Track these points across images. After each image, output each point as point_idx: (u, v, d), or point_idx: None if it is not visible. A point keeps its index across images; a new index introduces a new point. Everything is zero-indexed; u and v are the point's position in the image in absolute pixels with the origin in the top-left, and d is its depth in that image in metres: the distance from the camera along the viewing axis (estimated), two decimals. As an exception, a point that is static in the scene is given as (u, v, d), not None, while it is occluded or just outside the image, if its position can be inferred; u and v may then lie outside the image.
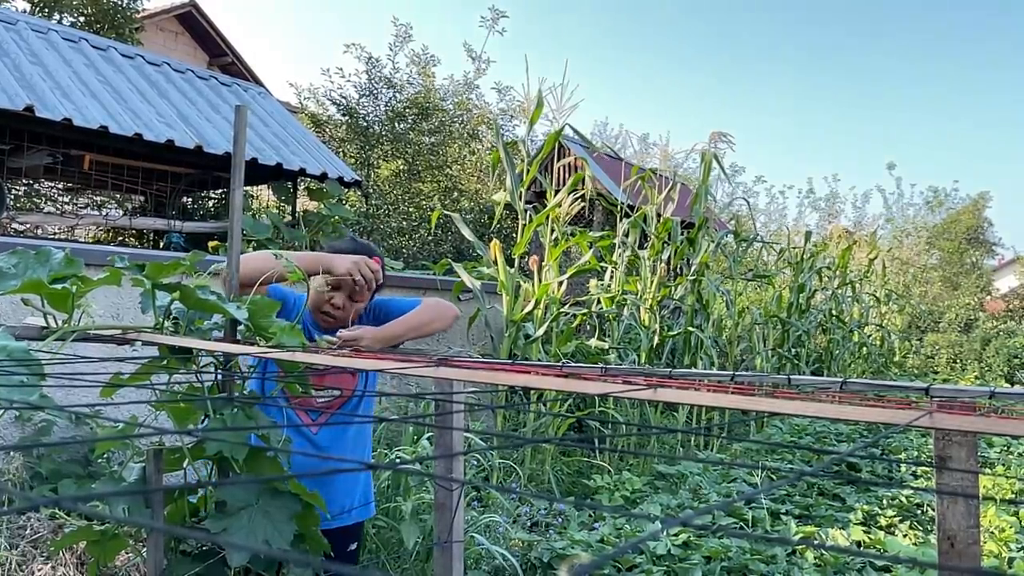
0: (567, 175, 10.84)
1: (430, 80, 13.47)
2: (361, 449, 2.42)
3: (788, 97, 53.41)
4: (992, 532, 4.11)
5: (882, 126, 51.71)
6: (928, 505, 4.83)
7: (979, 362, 14.49)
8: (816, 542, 4.12)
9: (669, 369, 1.51)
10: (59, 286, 1.43)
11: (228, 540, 1.53)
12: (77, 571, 2.88)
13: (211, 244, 7.16)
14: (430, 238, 11.78)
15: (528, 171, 6.00)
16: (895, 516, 4.61)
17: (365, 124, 12.49)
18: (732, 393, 1.12)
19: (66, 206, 8.60)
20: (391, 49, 13.29)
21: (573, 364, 1.63)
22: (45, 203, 8.75)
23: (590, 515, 4.33)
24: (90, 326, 1.53)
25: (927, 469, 5.19)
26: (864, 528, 4.27)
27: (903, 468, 5.95)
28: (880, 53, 52.85)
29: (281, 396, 2.11)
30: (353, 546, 2.35)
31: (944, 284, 20.65)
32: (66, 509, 3.02)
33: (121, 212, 8.28)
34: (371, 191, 12.15)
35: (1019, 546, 4.02)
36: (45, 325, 1.50)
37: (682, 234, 7.64)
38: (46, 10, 11.02)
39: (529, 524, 4.26)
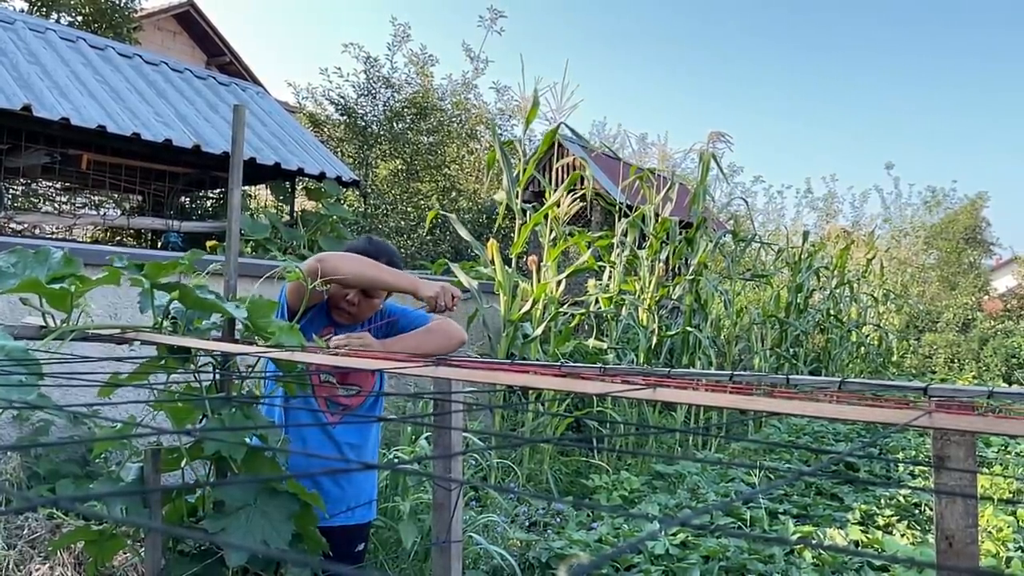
0: (566, 175, 10.84)
1: (428, 80, 13.46)
2: (374, 450, 2.44)
3: (786, 97, 53.45)
4: (990, 532, 4.11)
5: (880, 126, 51.77)
6: (926, 505, 4.84)
7: (977, 362, 14.51)
8: (814, 542, 4.12)
9: (668, 369, 1.51)
10: (57, 286, 1.43)
11: (226, 540, 1.53)
12: (75, 571, 2.88)
13: (209, 244, 7.15)
14: (428, 238, 11.77)
15: (525, 171, 6.01)
16: (893, 516, 4.61)
17: (363, 124, 12.48)
18: (730, 393, 1.12)
19: (64, 206, 8.59)
20: (389, 49, 13.30)
21: (572, 364, 1.63)
22: (43, 203, 8.74)
23: (588, 515, 4.33)
24: (89, 325, 1.53)
25: (925, 469, 5.19)
26: (862, 528, 4.27)
27: (901, 468, 5.96)
28: (879, 53, 52.93)
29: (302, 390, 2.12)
30: (360, 547, 2.35)
31: (942, 284, 20.66)
32: (64, 509, 3.02)
33: (119, 212, 8.27)
34: (369, 191, 12.14)
35: (1016, 546, 4.03)
36: (44, 324, 1.50)
37: (680, 234, 7.64)
38: (44, 9, 11.00)
39: (527, 524, 4.26)
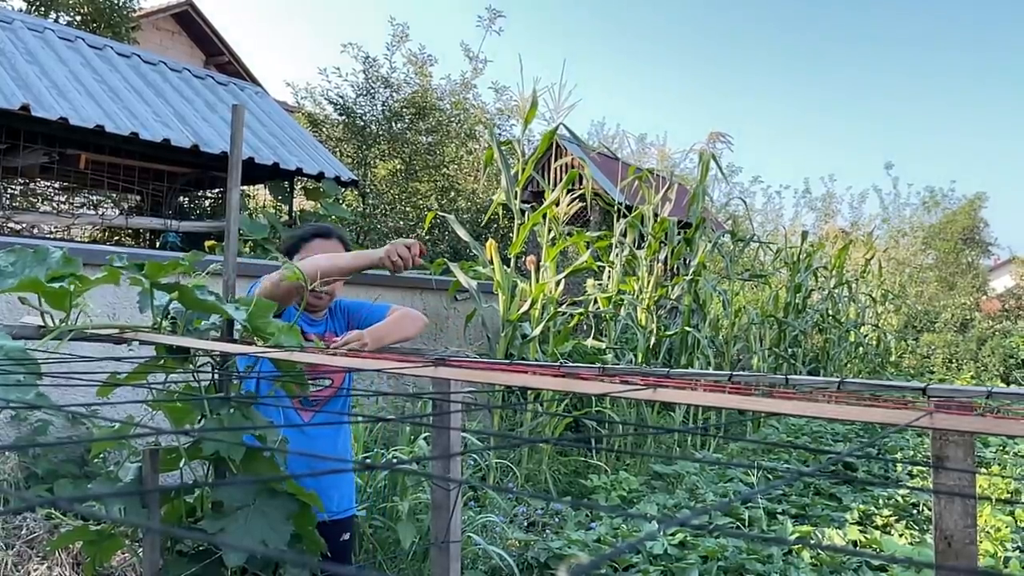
0: (564, 175, 10.84)
1: (427, 80, 13.45)
2: (346, 443, 2.52)
3: (785, 97, 53.50)
4: (988, 532, 4.12)
5: (879, 126, 51.85)
6: (924, 505, 4.84)
7: (975, 362, 14.51)
8: (812, 542, 4.12)
9: (667, 369, 1.51)
10: (57, 285, 1.42)
11: (225, 540, 1.53)
12: (73, 571, 2.88)
13: (207, 244, 7.15)
14: (427, 238, 11.77)
15: (524, 171, 6.01)
16: (891, 516, 4.62)
17: (362, 124, 12.47)
18: (730, 393, 1.12)
19: (62, 205, 8.58)
20: (388, 49, 13.29)
21: (571, 364, 1.63)
22: (41, 202, 8.73)
23: (587, 515, 4.33)
24: (87, 325, 1.53)
25: (923, 469, 5.20)
26: (860, 528, 4.28)
27: (899, 468, 5.96)
28: (878, 53, 52.99)
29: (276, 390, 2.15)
30: (346, 536, 2.41)
31: (940, 284, 20.68)
32: (62, 509, 3.01)
33: (117, 211, 8.26)
34: (368, 191, 12.13)
35: (1015, 545, 4.03)
36: (42, 324, 1.49)
37: (679, 234, 7.64)
38: (42, 9, 10.99)
39: (526, 524, 4.26)
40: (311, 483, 2.20)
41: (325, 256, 2.24)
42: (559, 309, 5.96)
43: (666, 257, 7.46)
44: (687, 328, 7.19)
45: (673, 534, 3.80)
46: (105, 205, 8.82)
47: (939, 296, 19.48)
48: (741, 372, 1.49)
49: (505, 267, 5.78)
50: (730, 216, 11.11)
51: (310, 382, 2.31)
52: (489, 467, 4.89)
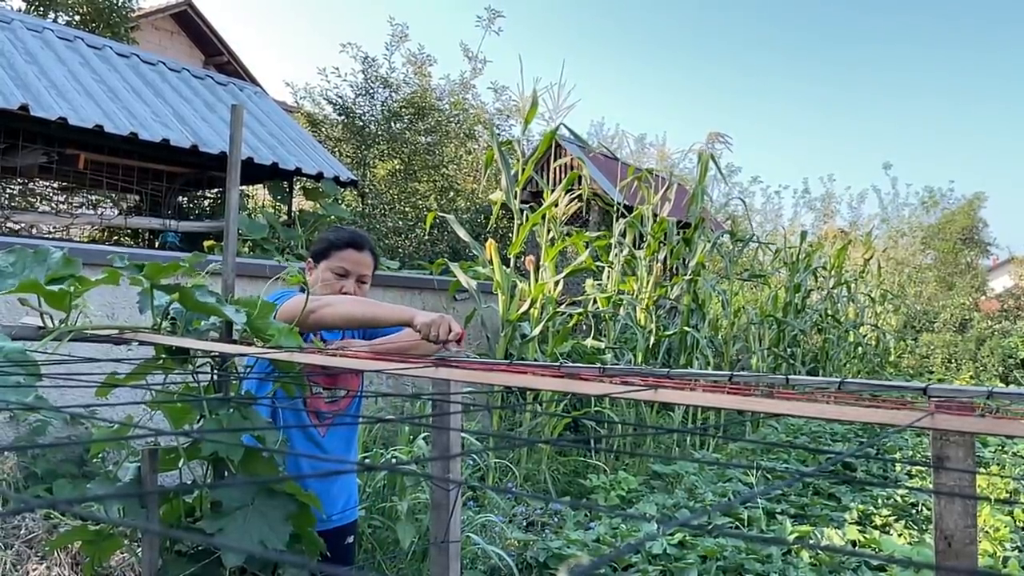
0: (563, 175, 10.84)
1: (426, 80, 13.44)
2: (356, 447, 2.50)
3: (784, 97, 53.52)
4: (987, 531, 4.12)
5: (878, 126, 51.89)
6: (923, 504, 4.84)
7: (974, 362, 14.52)
8: (811, 541, 4.12)
9: (667, 369, 1.51)
10: (56, 287, 1.42)
11: (223, 541, 1.52)
12: (72, 571, 2.87)
13: (206, 243, 7.14)
14: (426, 238, 11.76)
15: (523, 171, 6.01)
16: (890, 515, 4.62)
17: (361, 124, 12.46)
18: (729, 393, 1.12)
19: (61, 205, 8.57)
20: (387, 49, 13.28)
21: (571, 364, 1.63)
22: (40, 202, 8.72)
23: (586, 515, 4.33)
24: (87, 326, 1.53)
25: (921, 468, 5.20)
26: (859, 527, 4.28)
27: (898, 467, 5.97)
28: (877, 53, 53.01)
29: (287, 398, 2.12)
30: (350, 539, 2.40)
31: (939, 284, 20.68)
32: (61, 509, 3.01)
33: (116, 211, 8.25)
34: (367, 191, 12.12)
35: (1013, 545, 4.03)
36: (42, 325, 1.49)
37: (678, 234, 7.65)
38: (41, 8, 10.98)
39: (525, 524, 4.26)
40: (321, 491, 2.21)
41: (361, 302, 2.07)
42: (558, 309, 5.96)
43: (665, 257, 7.46)
44: (686, 328, 7.19)
45: (672, 534, 3.80)
46: (104, 205, 8.81)
47: (938, 296, 19.48)
48: (741, 372, 1.48)
49: (505, 267, 5.78)
50: (729, 216, 11.12)
51: (328, 393, 2.30)
52: (488, 467, 4.89)
